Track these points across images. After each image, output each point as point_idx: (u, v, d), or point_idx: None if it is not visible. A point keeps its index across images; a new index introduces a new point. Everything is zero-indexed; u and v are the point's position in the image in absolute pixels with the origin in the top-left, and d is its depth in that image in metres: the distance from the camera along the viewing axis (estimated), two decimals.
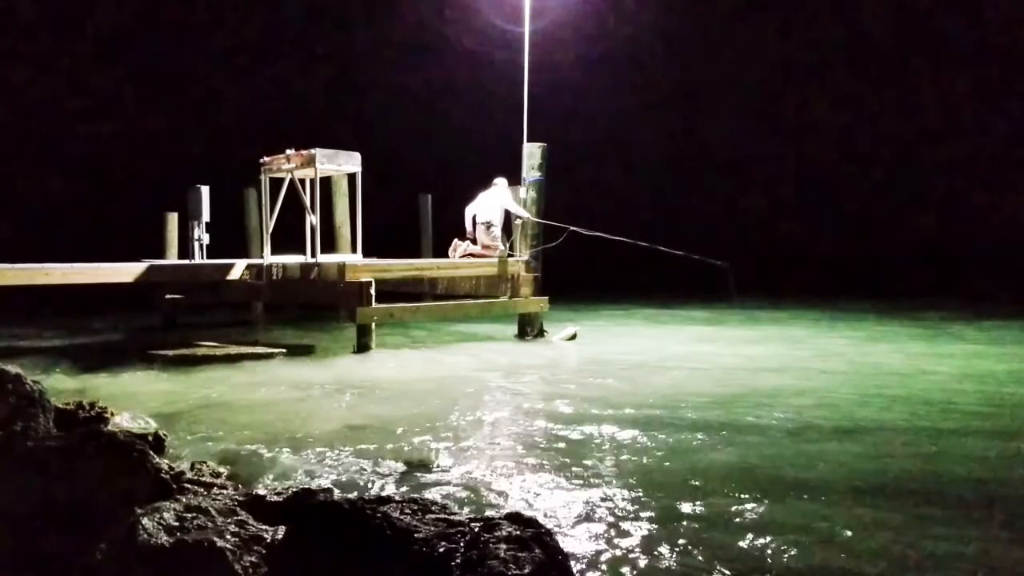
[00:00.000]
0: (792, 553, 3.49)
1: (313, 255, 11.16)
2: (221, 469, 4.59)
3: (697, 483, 4.51)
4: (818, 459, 5.03)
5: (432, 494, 4.23)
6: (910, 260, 25.26)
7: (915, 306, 15.69)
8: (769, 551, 3.51)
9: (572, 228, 11.85)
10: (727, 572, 3.30)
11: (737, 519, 3.91)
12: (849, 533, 3.73)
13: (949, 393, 7.28)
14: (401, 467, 4.73)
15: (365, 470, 4.78)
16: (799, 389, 7.46)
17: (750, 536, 3.67)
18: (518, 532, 2.74)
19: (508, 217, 12.23)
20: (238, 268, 11.65)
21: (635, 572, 3.31)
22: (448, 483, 4.51)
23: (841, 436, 5.65)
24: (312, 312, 13.88)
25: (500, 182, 12.24)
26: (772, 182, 33.18)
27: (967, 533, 3.75)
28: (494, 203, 12.15)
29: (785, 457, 5.07)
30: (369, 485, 4.48)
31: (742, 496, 4.25)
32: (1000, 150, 30.86)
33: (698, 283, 15.16)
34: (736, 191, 33.21)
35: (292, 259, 11.48)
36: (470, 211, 12.38)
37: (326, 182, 13.38)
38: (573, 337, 11.50)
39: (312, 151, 10.77)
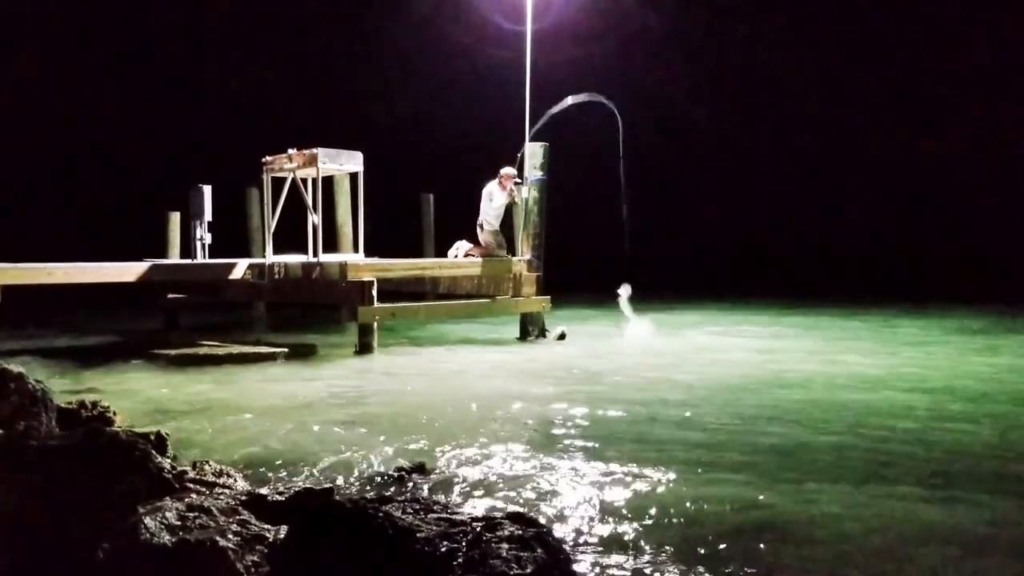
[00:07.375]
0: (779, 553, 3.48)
1: (315, 254, 11.16)
2: (223, 468, 4.59)
3: (702, 484, 4.51)
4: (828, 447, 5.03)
5: (434, 494, 4.23)
6: None
7: None
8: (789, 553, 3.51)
9: None
10: (730, 573, 3.31)
11: (745, 523, 3.91)
12: None
13: None
14: (403, 467, 4.72)
15: (367, 470, 4.78)
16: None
17: (757, 541, 3.67)
18: (520, 532, 2.74)
19: (509, 217, 12.20)
20: (240, 267, 11.65)
21: (637, 572, 3.31)
22: (450, 483, 4.51)
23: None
24: (314, 312, 13.88)
25: (503, 173, 12.06)
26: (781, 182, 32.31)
27: None
28: (486, 203, 12.06)
29: (796, 449, 5.08)
30: (371, 485, 4.48)
31: (752, 501, 4.25)
32: None
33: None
34: (743, 194, 32.25)
35: (294, 258, 11.49)
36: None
37: (328, 181, 13.38)
38: (562, 337, 11.49)
39: (314, 150, 10.76)
